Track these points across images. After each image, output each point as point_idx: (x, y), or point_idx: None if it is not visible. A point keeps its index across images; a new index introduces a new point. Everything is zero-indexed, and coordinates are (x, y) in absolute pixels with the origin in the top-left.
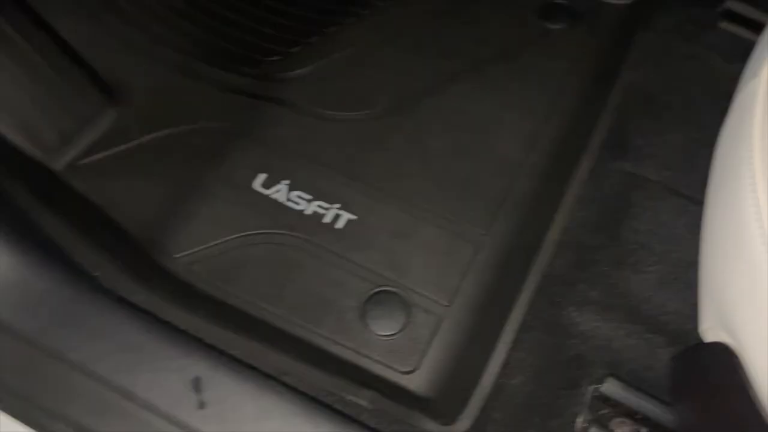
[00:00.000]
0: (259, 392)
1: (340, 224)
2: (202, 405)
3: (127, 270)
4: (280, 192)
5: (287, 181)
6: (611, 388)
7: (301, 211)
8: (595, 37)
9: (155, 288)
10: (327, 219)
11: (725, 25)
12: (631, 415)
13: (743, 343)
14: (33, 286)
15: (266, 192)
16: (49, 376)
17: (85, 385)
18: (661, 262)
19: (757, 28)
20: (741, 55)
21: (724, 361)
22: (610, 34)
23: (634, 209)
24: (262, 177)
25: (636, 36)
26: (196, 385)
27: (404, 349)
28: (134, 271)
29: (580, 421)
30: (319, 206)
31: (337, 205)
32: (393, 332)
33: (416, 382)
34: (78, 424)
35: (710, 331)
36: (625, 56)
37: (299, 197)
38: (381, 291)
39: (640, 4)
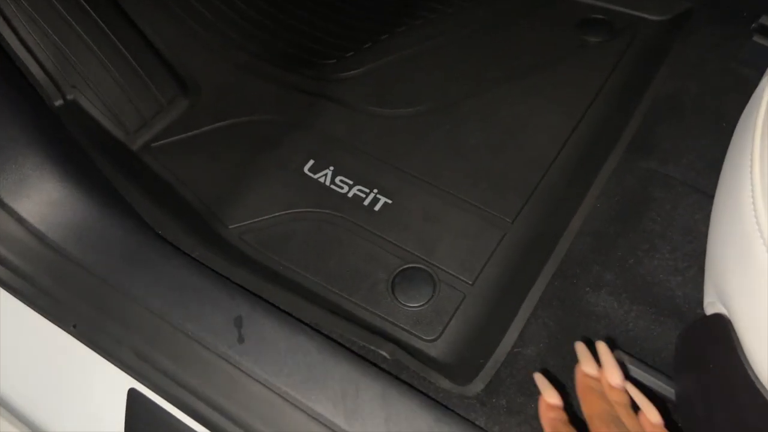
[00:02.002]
0: (291, 333)
1: (377, 207)
2: (241, 339)
3: (186, 232)
4: (325, 176)
5: (332, 167)
6: (617, 359)
7: (344, 194)
8: (630, 50)
9: (210, 248)
10: (366, 202)
11: (759, 39)
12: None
13: (734, 309)
14: (108, 231)
15: (314, 176)
16: (116, 308)
17: (145, 317)
18: (676, 251)
19: None
20: None
21: (720, 330)
22: (645, 47)
23: (653, 203)
24: (310, 163)
25: (671, 50)
26: (238, 322)
27: (428, 319)
28: (193, 232)
29: None
30: (360, 190)
31: (376, 190)
32: (419, 304)
33: (437, 349)
34: (136, 349)
35: (710, 305)
36: (658, 68)
37: (342, 181)
38: (411, 267)
39: (676, 20)
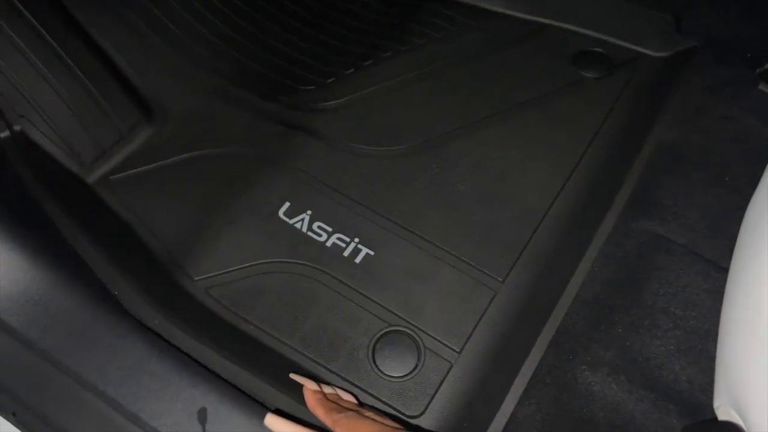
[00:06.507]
0: (261, 428)
1: (358, 259)
2: None
3: (145, 292)
4: (302, 222)
5: (309, 211)
6: None
7: (322, 242)
8: (629, 89)
9: (171, 311)
10: (346, 253)
11: (764, 87)
12: None
13: (752, 424)
14: (56, 303)
15: (289, 221)
16: (62, 394)
17: (95, 406)
18: (678, 328)
19: None
20: None
21: None
22: (645, 86)
23: (655, 271)
24: (286, 205)
25: (671, 92)
26: (202, 417)
27: (411, 393)
28: (152, 292)
29: None
30: (339, 239)
31: (357, 240)
32: (402, 375)
33: (420, 427)
34: None
35: (722, 408)
36: (658, 112)
37: (320, 228)
38: (393, 331)
39: (678, 58)
